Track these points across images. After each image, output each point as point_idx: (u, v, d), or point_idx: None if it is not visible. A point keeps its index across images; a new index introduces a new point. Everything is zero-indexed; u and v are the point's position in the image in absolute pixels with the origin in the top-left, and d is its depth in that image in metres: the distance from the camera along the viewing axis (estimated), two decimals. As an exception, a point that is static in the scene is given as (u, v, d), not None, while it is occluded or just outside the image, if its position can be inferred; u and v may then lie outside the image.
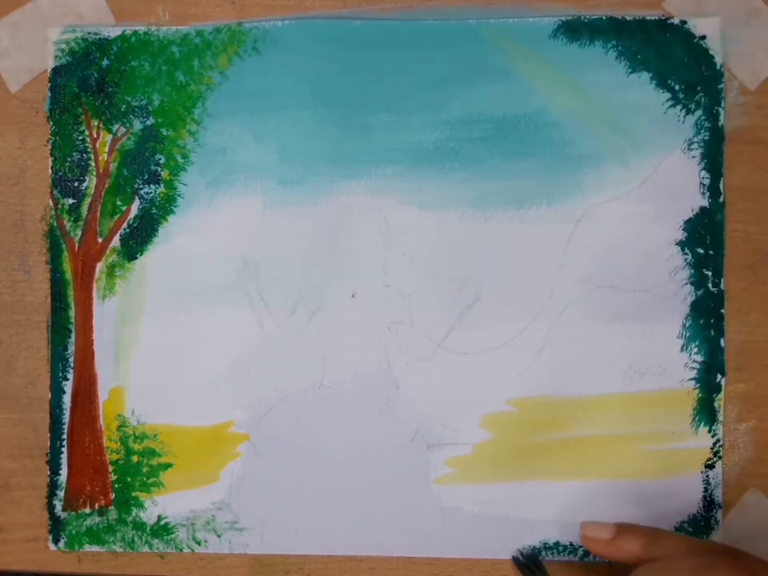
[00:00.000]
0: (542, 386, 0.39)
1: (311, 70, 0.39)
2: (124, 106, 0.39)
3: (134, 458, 0.39)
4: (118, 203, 0.40)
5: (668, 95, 0.39)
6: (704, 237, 0.39)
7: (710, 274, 0.39)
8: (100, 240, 0.40)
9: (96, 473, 0.40)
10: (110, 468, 0.39)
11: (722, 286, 0.39)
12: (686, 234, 0.39)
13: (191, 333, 0.39)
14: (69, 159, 0.40)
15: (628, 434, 0.39)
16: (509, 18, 0.39)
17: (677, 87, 0.39)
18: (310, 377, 0.39)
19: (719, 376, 0.39)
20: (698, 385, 0.39)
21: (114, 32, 0.39)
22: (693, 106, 0.39)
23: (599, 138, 0.39)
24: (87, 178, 0.40)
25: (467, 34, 0.39)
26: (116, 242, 0.40)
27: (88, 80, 0.39)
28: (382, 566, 0.39)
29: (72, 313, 0.40)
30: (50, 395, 0.40)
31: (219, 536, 0.39)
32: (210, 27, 0.39)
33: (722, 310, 0.39)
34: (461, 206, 0.39)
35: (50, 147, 0.40)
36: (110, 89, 0.39)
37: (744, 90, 0.39)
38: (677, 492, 0.39)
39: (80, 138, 0.40)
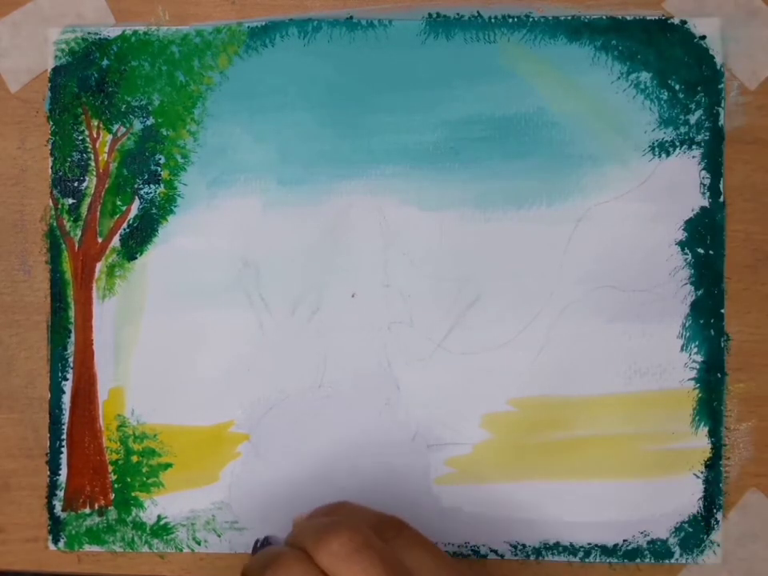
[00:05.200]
0: (542, 386, 0.39)
1: (311, 69, 0.39)
2: (124, 105, 0.39)
3: (134, 458, 0.39)
4: (118, 203, 0.40)
5: (668, 95, 0.39)
6: (704, 237, 0.39)
7: (709, 274, 0.39)
8: (100, 240, 0.40)
9: (96, 473, 0.40)
10: (110, 468, 0.39)
11: (722, 286, 0.39)
12: (686, 234, 0.39)
13: (191, 333, 0.39)
14: (69, 159, 0.40)
15: (628, 434, 0.39)
16: (508, 18, 0.39)
17: (677, 87, 0.39)
18: (309, 377, 0.39)
19: (719, 376, 0.39)
20: (698, 385, 0.39)
21: (113, 32, 0.39)
22: (693, 105, 0.39)
23: (599, 138, 0.39)
24: (87, 178, 0.40)
25: (467, 33, 0.39)
26: (116, 241, 0.40)
27: (88, 80, 0.39)
28: (381, 566, 0.39)
29: (72, 313, 0.40)
30: (49, 395, 0.40)
31: (219, 536, 0.39)
32: (210, 27, 0.39)
33: (722, 310, 0.39)
34: (461, 206, 0.39)
35: (50, 147, 0.40)
36: (110, 89, 0.39)
37: (744, 89, 0.39)
38: (677, 492, 0.39)
39: (80, 137, 0.40)
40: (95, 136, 0.40)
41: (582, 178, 0.39)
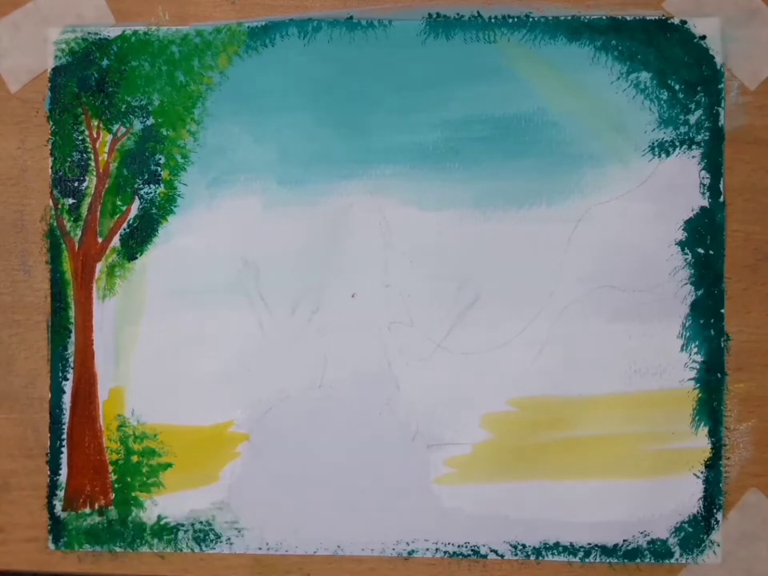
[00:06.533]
0: (542, 386, 0.39)
1: (311, 69, 0.39)
2: (124, 105, 0.39)
3: (134, 458, 0.39)
4: (118, 203, 0.40)
5: (668, 95, 0.39)
6: (704, 237, 0.39)
7: (709, 274, 0.39)
8: (100, 240, 0.40)
9: (96, 473, 0.40)
10: (110, 468, 0.40)
11: (722, 286, 0.39)
12: (686, 234, 0.39)
13: (191, 333, 0.39)
14: (69, 159, 0.40)
15: (628, 434, 0.39)
16: (508, 18, 0.39)
17: (677, 87, 0.39)
18: (309, 377, 0.39)
19: (719, 376, 0.39)
20: (698, 385, 0.39)
21: (113, 32, 0.39)
22: (693, 105, 0.39)
23: (599, 138, 0.39)
24: (87, 178, 0.40)
25: (467, 34, 0.39)
26: (116, 241, 0.40)
27: (88, 80, 0.39)
28: (381, 566, 0.39)
29: (72, 313, 0.40)
30: (50, 395, 0.40)
31: (219, 536, 0.39)
32: (210, 27, 0.39)
33: (722, 310, 0.39)
34: (461, 206, 0.39)
35: (49, 147, 0.40)
36: (110, 89, 0.39)
37: (744, 90, 0.39)
38: (677, 492, 0.39)
39: (80, 138, 0.40)
40: (95, 136, 0.40)
41: (582, 178, 0.39)
